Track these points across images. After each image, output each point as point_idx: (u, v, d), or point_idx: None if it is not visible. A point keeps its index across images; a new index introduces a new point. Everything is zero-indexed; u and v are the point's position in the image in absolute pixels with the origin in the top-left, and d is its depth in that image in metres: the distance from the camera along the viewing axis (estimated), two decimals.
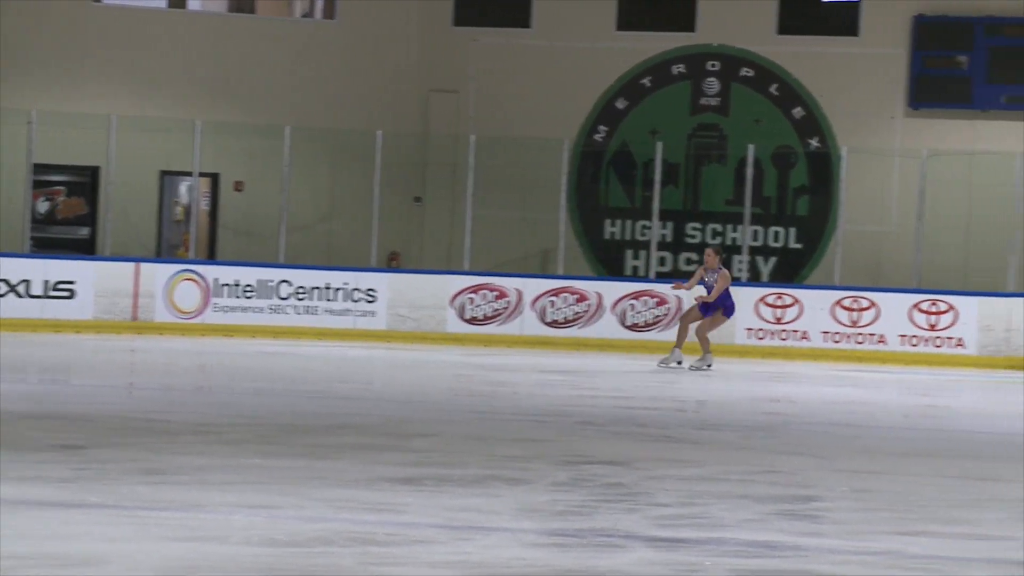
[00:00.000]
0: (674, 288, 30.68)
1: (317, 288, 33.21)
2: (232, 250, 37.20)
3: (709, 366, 27.85)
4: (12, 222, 35.25)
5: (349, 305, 33.11)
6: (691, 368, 27.70)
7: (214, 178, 38.17)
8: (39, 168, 35.95)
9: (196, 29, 39.16)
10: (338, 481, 13.43)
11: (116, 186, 36.31)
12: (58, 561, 9.67)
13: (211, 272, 33.59)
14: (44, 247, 35.55)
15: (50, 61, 37.42)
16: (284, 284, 33.16)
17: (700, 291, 28.47)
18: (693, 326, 28.41)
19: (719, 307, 28.22)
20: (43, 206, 37.36)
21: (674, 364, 27.95)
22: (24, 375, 24.13)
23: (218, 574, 9.48)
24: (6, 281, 32.48)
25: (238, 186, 38.25)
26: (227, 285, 33.22)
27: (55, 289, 32.66)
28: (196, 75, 38.21)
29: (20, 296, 32.52)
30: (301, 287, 33.17)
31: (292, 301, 33.10)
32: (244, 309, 32.91)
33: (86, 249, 36.41)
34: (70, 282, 32.86)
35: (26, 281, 32.61)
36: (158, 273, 33.40)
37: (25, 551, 9.95)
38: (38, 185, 36.64)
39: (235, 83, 38.25)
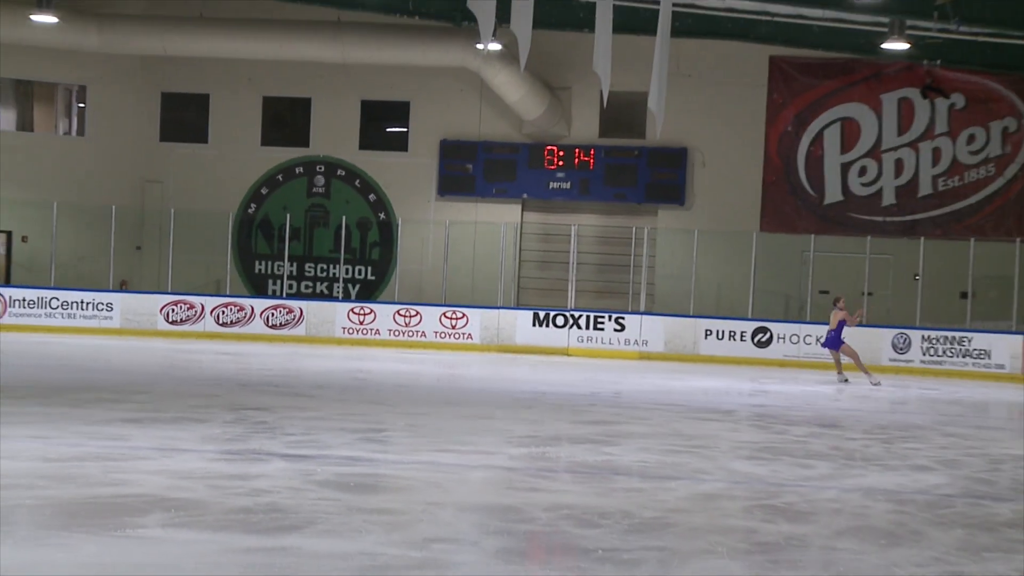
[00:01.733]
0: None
1: (75, 302, 32.38)
2: (21, 278, 36.04)
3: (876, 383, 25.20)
4: None
5: (95, 312, 32.34)
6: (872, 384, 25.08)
7: (8, 234, 37.03)
8: None
9: None
10: (87, 421, 13.16)
11: None
12: None
13: (8, 292, 32.58)
14: None
15: None
16: (54, 299, 32.27)
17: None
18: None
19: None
20: None
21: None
22: None
23: (11, 480, 9.23)
24: None
25: (24, 239, 37.11)
26: (18, 300, 32.25)
27: None
28: None
29: None
30: (65, 301, 32.31)
31: (59, 310, 32.21)
32: (29, 315, 31.97)
33: None
34: None
35: None
36: None
37: None
38: None
39: (23, 174, 37.14)
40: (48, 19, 32.09)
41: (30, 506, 8.41)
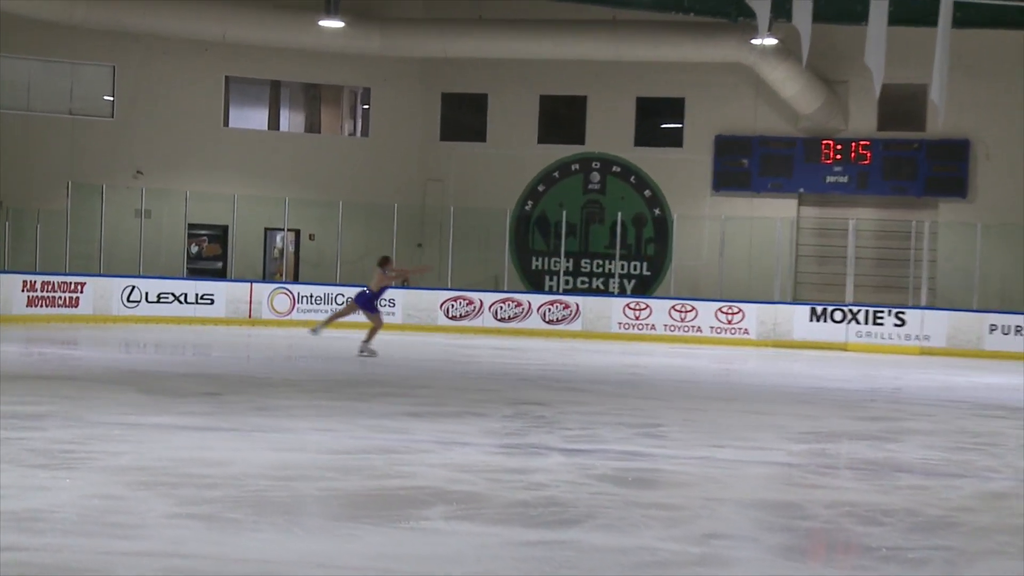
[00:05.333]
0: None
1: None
2: (308, 275, 37.02)
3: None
4: (175, 259, 35.11)
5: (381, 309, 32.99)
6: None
7: (297, 232, 38.06)
8: (192, 226, 35.85)
9: (285, 142, 39.05)
10: (371, 414, 13.39)
11: (237, 237, 36.25)
12: (202, 462, 9.61)
13: (296, 288, 33.53)
14: (195, 273, 35.37)
15: (199, 161, 37.27)
16: (339, 295, 33.02)
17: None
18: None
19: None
20: (194, 249, 37.13)
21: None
22: (182, 350, 23.99)
23: (300, 471, 9.43)
24: (172, 294, 32.32)
25: (311, 237, 38.10)
26: (306, 296, 33.15)
27: (201, 299, 32.55)
28: (285, 170, 38.07)
29: (181, 303, 32.36)
30: (350, 298, 33.03)
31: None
32: (316, 311, 32.77)
33: (220, 274, 36.19)
34: (210, 294, 32.73)
35: (184, 293, 32.46)
36: (263, 289, 33.29)
37: (183, 456, 9.89)
38: (191, 236, 36.48)
39: (309, 175, 38.13)
40: (335, 24, 32.87)
41: (319, 497, 8.58)
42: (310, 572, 6.55)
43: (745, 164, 36.74)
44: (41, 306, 30.61)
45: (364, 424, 12.54)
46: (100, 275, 32.19)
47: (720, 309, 32.12)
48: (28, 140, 35.81)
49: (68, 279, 31.16)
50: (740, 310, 32.02)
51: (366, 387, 16.88)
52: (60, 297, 30.89)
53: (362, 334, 23.61)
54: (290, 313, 32.80)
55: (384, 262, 23.76)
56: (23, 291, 30.37)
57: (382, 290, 23.83)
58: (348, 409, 13.81)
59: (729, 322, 31.97)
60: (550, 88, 38.41)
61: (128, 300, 31.76)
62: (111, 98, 37.34)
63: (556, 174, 38.69)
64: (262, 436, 11.51)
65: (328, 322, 24.12)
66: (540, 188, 38.71)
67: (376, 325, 23.60)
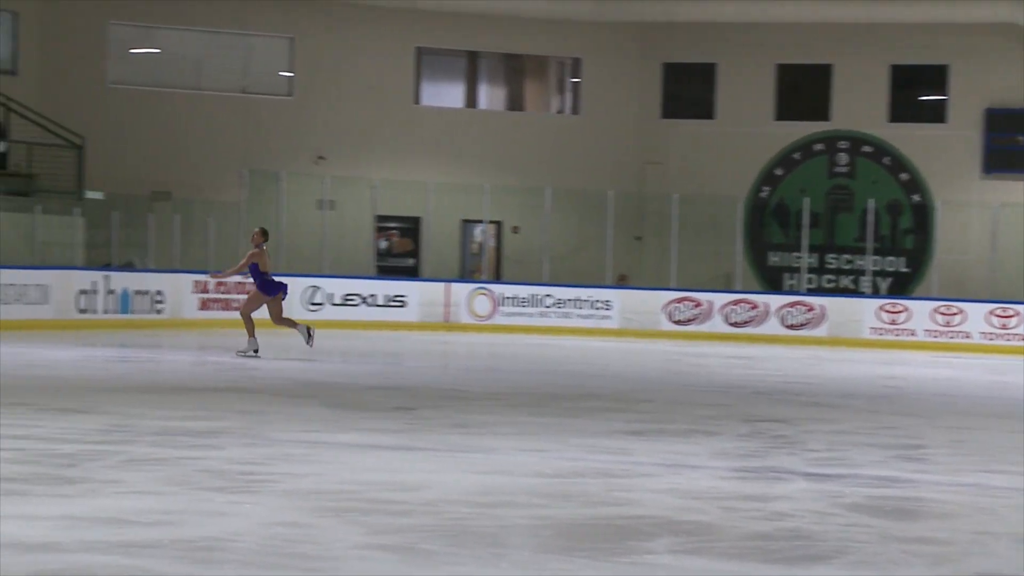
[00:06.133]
0: (213, 277, 26.32)
1: (569, 299, 33.27)
2: (511, 273, 37.33)
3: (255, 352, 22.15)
4: (362, 255, 35.63)
5: (591, 311, 33.12)
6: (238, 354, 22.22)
7: (498, 224, 38.37)
8: (380, 218, 36.36)
9: (484, 121, 39.38)
10: (585, 433, 13.43)
11: (431, 230, 36.65)
12: (396, 486, 9.74)
13: (498, 289, 33.80)
14: (384, 272, 35.89)
15: (387, 144, 37.79)
16: (547, 296, 33.23)
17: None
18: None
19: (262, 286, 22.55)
20: (383, 244, 37.71)
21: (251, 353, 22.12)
22: (371, 359, 24.35)
23: (505, 497, 9.50)
24: (359, 295, 32.85)
25: (515, 229, 38.40)
26: (509, 298, 33.40)
27: (392, 301, 33.01)
28: (484, 153, 38.42)
29: (369, 305, 32.89)
30: (559, 299, 33.25)
31: (553, 308, 33.18)
32: (520, 314, 33.04)
33: (412, 273, 36.70)
34: (402, 296, 33.18)
35: (372, 295, 32.97)
36: (461, 290, 33.64)
37: (373, 479, 10.04)
38: (379, 230, 37.01)
39: (511, 158, 38.41)
40: None
41: (527, 526, 8.63)
42: None
43: (1022, 141, 36.03)
44: (214, 309, 31.30)
45: (577, 444, 12.59)
46: (280, 274, 32.70)
47: (992, 311, 31.54)
48: (198, 122, 36.63)
49: (243, 279, 31.68)
50: (1016, 312, 31.39)
51: (579, 401, 16.93)
52: (235, 300, 31.47)
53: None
54: (491, 317, 33.09)
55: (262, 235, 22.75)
56: (194, 293, 31.08)
57: (253, 268, 22.44)
58: (559, 426, 13.88)
59: (1003, 327, 31.37)
60: (790, 56, 38.13)
61: (311, 303, 32.31)
62: (289, 74, 38.05)
63: (796, 156, 38.40)
64: (462, 457, 11.62)
65: (251, 332, 22.40)
66: (778, 172, 38.44)
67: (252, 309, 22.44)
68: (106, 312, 29.57)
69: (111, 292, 29.71)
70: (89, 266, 30.80)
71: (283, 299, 22.63)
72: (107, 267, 31.01)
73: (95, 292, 29.47)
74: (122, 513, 8.34)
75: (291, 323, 22.97)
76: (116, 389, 16.91)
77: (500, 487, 9.94)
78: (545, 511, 9.09)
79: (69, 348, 23.21)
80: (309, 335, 22.52)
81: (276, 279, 22.74)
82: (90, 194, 33.57)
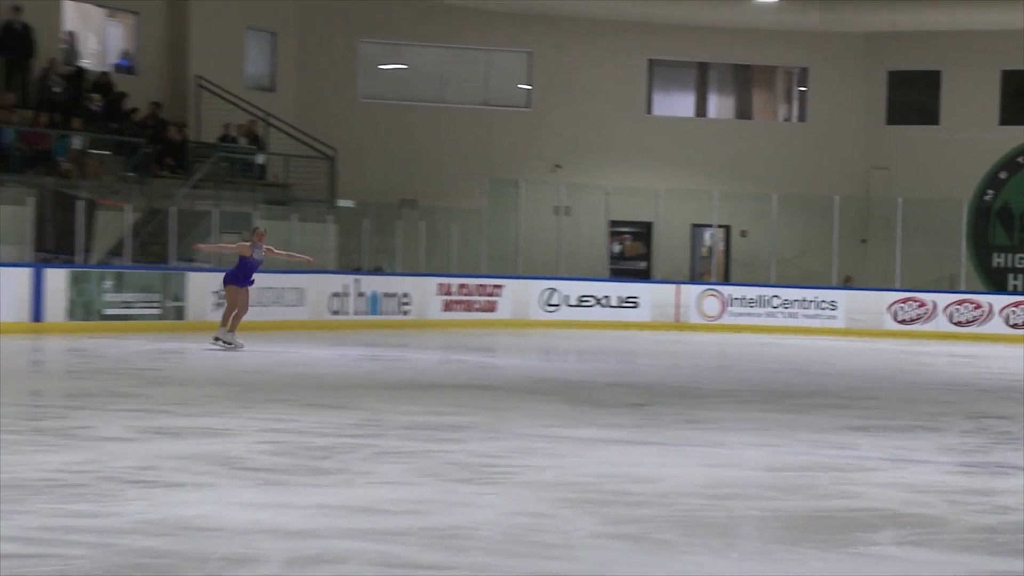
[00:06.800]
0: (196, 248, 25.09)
1: (796, 300, 33.00)
2: (740, 275, 37.13)
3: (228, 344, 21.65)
4: (596, 259, 35.73)
5: (817, 311, 32.82)
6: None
7: (727, 228, 38.20)
8: (613, 223, 36.44)
9: (713, 130, 39.27)
10: (813, 428, 13.32)
11: (662, 234, 36.61)
12: (630, 478, 9.77)
13: (727, 290, 33.67)
14: (617, 275, 35.95)
15: (620, 153, 37.89)
16: (774, 297, 33.02)
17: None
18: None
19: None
20: (616, 248, 37.78)
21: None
22: (605, 357, 24.41)
23: (735, 489, 9.47)
24: (593, 296, 32.97)
25: (743, 233, 38.19)
26: (737, 299, 33.25)
27: (625, 302, 33.08)
28: (713, 160, 38.30)
29: (603, 306, 32.99)
30: (786, 300, 33.00)
31: (780, 309, 32.94)
32: (748, 315, 32.87)
33: (644, 275, 36.70)
34: (634, 297, 33.22)
35: (606, 296, 33.07)
36: (691, 291, 33.56)
37: (609, 472, 10.07)
38: (613, 234, 37.09)
39: (739, 165, 38.24)
40: (768, 0, 32.93)
41: (756, 518, 8.59)
42: None
43: None
44: (457, 310, 31.65)
45: (805, 439, 12.49)
46: (518, 277, 33.01)
47: None
48: (442, 134, 37.06)
49: (485, 281, 32.09)
50: None
51: (806, 398, 16.80)
52: (476, 301, 31.87)
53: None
54: (720, 317, 32.96)
55: (253, 232, 22.34)
56: (439, 295, 31.47)
57: (245, 264, 21.91)
58: (787, 423, 13.78)
59: None
60: (1014, 62, 37.32)
61: (548, 304, 32.50)
62: (527, 86, 38.30)
63: (1021, 159, 37.58)
64: (693, 451, 11.61)
65: (232, 328, 21.93)
66: (1002, 175, 37.67)
67: (236, 309, 21.87)
68: (356, 313, 30.06)
69: (361, 295, 30.21)
70: (341, 270, 31.32)
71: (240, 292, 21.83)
72: (357, 271, 31.50)
73: (346, 295, 29.99)
74: (373, 502, 8.49)
75: (225, 320, 22.04)
76: (367, 386, 17.20)
77: (730, 480, 9.91)
78: (774, 503, 9.04)
79: (323, 347, 23.62)
80: (226, 342, 21.58)
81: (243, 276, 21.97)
82: (342, 203, 34.16)
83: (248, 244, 22.04)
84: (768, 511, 8.78)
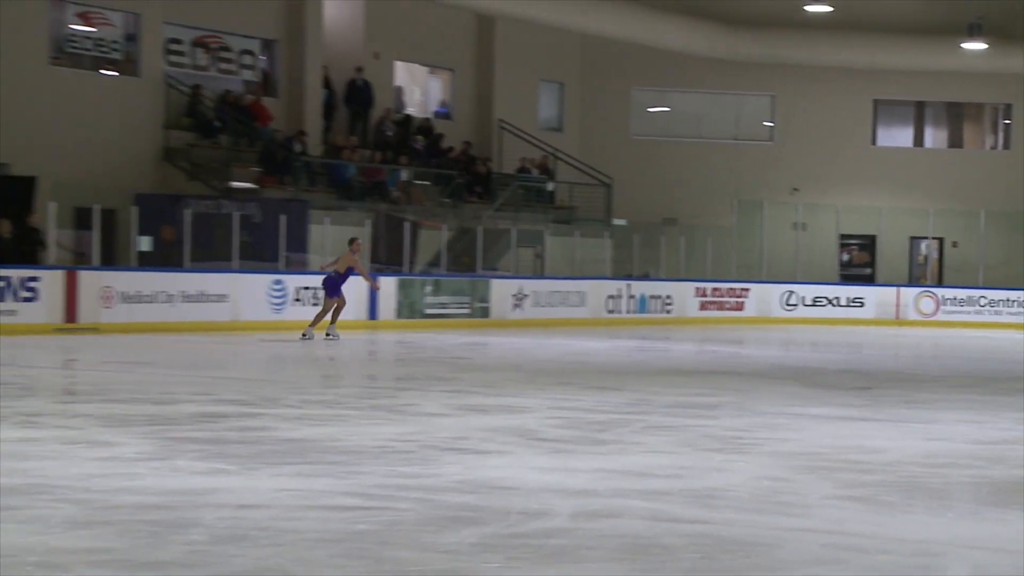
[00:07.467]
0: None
1: (1001, 300, 32.00)
2: (951, 279, 36.09)
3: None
4: (828, 266, 35.19)
5: (1020, 310, 31.81)
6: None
7: (940, 240, 37.24)
8: (843, 236, 35.87)
9: (929, 157, 38.33)
10: (1016, 408, 12.82)
11: (885, 245, 35.87)
12: (858, 449, 9.56)
13: (940, 292, 32.79)
14: (846, 279, 35.31)
15: (848, 177, 37.25)
16: (982, 298, 32.08)
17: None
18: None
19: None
20: (845, 257, 37.07)
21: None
22: (836, 349, 23.92)
23: (949, 459, 9.21)
24: (825, 297, 32.43)
25: (955, 244, 37.15)
26: (949, 299, 32.36)
27: (852, 302, 32.50)
28: (929, 183, 37.37)
29: (833, 306, 32.42)
30: (992, 300, 32.03)
31: (987, 308, 31.95)
32: (959, 312, 32.00)
33: (869, 280, 35.92)
34: (860, 298, 32.57)
35: (836, 297, 32.53)
36: (909, 293, 32.75)
37: (840, 444, 9.87)
38: (842, 246, 36.46)
39: (951, 186, 37.24)
40: (978, 46, 32.26)
41: (968, 483, 8.36)
42: (960, 553, 6.41)
43: None
44: (711, 309, 31.58)
45: (1009, 417, 12.07)
46: (762, 281, 32.79)
47: None
48: (698, 164, 37.04)
49: (734, 285, 32.03)
50: None
51: (1010, 383, 16.22)
52: (727, 301, 31.77)
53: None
54: (935, 314, 32.12)
55: (351, 243, 21.15)
56: (696, 296, 31.46)
57: (348, 272, 20.82)
58: (993, 403, 13.34)
59: None
60: None
61: (787, 304, 32.19)
62: (770, 123, 37.96)
63: None
64: (912, 426, 11.34)
65: (315, 323, 20.95)
66: None
67: (339, 306, 20.91)
68: (628, 312, 30.11)
69: (632, 297, 30.26)
70: (615, 277, 31.38)
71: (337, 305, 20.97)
72: (629, 277, 31.51)
73: (620, 297, 30.07)
74: (643, 468, 8.49)
75: (319, 318, 21.05)
76: (637, 372, 17.21)
77: (944, 451, 9.64)
78: (983, 471, 8.77)
79: (600, 340, 23.71)
80: (326, 334, 20.76)
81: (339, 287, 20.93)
82: (616, 221, 34.25)
83: (355, 256, 20.96)
84: (978, 478, 8.52)
